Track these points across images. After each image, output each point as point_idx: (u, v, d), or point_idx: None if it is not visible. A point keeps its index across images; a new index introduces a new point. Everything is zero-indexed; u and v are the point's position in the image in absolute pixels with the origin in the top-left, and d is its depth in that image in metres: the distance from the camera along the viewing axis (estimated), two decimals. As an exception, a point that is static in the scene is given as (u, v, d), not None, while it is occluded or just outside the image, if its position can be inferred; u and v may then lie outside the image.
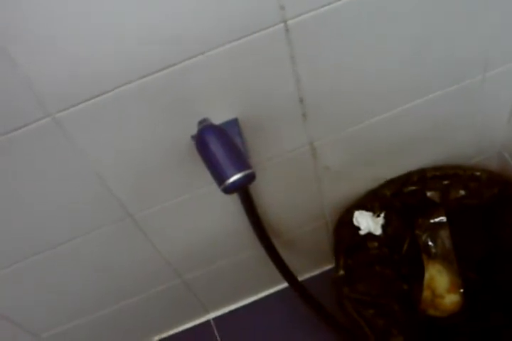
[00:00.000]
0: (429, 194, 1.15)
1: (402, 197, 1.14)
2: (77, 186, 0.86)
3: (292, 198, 1.11)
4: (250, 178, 0.76)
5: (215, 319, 1.42)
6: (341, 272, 1.11)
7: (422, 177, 1.14)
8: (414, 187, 1.14)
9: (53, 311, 1.14)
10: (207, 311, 1.41)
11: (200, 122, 0.79)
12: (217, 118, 0.83)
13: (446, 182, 1.14)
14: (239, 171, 0.74)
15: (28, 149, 0.77)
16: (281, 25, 0.75)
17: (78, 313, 1.18)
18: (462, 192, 1.15)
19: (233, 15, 0.71)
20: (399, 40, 0.85)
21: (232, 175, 0.74)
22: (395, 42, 0.85)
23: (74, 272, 1.05)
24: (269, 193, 1.05)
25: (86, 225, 0.95)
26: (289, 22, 0.75)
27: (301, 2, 0.74)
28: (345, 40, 0.81)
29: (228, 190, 0.75)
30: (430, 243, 1.16)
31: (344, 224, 1.15)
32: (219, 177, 0.75)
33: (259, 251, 1.06)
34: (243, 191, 0.89)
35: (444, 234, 1.16)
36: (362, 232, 1.12)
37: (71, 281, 1.07)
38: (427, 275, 1.16)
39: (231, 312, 1.42)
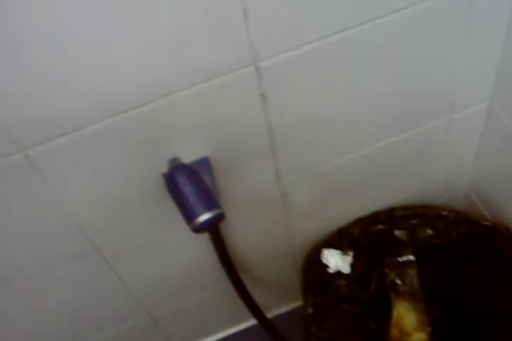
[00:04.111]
0: (397, 233, 1.16)
1: (370, 235, 1.15)
2: (45, 221, 0.86)
3: (261, 235, 1.11)
4: (219, 218, 0.76)
5: (183, 355, 1.40)
6: (310, 310, 1.11)
7: (390, 216, 1.16)
8: (382, 226, 1.16)
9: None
10: (175, 347, 1.40)
11: (170, 161, 0.79)
12: (188, 157, 0.83)
13: (414, 221, 1.16)
14: (207, 211, 0.75)
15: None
16: (252, 67, 0.76)
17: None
18: (430, 232, 1.16)
19: (203, 56, 0.72)
20: (369, 83, 0.87)
21: (200, 215, 0.74)
22: (364, 86, 0.87)
23: (38, 307, 1.04)
24: (238, 230, 1.06)
25: (52, 260, 0.94)
26: (260, 64, 0.76)
27: (273, 45, 0.75)
28: (316, 82, 0.83)
29: (197, 229, 0.76)
30: (398, 281, 1.17)
31: (313, 262, 1.15)
32: (188, 216, 0.76)
33: (228, 287, 1.05)
34: (213, 229, 0.89)
35: (412, 273, 1.17)
36: (330, 270, 1.12)
37: (35, 316, 1.06)
38: (394, 314, 1.17)
39: (199, 349, 1.40)
